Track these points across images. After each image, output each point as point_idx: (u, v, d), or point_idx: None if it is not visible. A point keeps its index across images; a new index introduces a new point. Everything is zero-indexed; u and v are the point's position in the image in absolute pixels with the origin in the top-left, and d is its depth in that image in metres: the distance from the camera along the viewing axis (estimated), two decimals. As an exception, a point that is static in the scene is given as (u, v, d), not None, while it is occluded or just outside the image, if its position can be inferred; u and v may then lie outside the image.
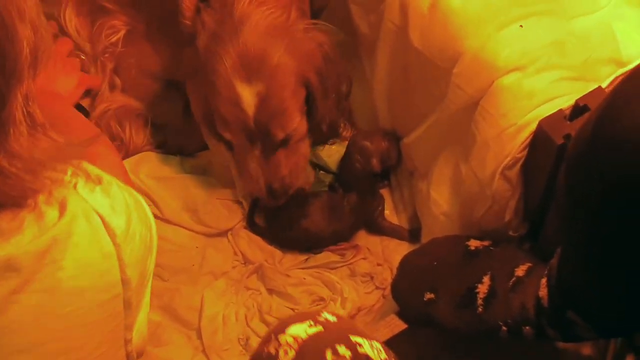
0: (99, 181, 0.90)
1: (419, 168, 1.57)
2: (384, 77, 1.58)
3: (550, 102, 1.20)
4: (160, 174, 1.72)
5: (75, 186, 0.87)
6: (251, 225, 1.67)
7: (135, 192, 1.00)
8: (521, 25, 1.27)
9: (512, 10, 1.29)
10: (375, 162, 1.61)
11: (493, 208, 1.30)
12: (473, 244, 1.31)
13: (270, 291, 1.58)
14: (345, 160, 1.67)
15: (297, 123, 1.53)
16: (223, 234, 1.67)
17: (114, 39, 1.82)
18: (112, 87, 1.82)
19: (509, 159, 1.23)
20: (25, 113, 0.81)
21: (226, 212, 1.68)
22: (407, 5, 1.43)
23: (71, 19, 1.82)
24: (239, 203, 1.69)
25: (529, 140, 1.21)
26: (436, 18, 1.37)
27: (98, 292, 0.88)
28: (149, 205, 1.60)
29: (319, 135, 1.67)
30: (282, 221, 1.63)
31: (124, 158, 1.74)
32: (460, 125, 1.35)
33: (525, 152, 1.22)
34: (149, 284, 1.00)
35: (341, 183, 1.66)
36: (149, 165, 1.74)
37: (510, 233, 1.32)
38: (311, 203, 1.62)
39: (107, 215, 0.88)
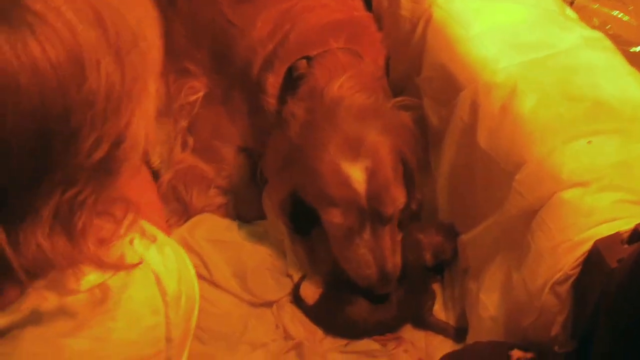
0: (153, 239, 0.91)
1: (472, 267, 1.55)
2: (447, 170, 1.58)
3: (609, 222, 1.18)
4: (215, 237, 1.73)
5: (131, 242, 0.88)
6: (297, 301, 1.65)
7: (183, 252, 0.99)
8: (589, 142, 1.26)
9: (582, 125, 1.29)
10: (428, 256, 1.59)
11: (540, 320, 1.27)
12: (515, 354, 1.28)
13: (306, 371, 1.56)
14: (398, 251, 1.65)
15: (404, 197, 1.53)
16: (268, 305, 1.66)
17: (192, 99, 1.86)
18: (184, 146, 1.85)
19: (560, 274, 1.20)
20: (58, 216, 0.77)
21: (274, 283, 1.68)
22: (478, 104, 1.43)
23: None
24: (289, 276, 1.69)
25: (583, 258, 1.18)
26: (506, 121, 1.37)
27: (143, 346, 0.89)
28: (199, 266, 1.66)
29: (408, 215, 1.66)
30: (328, 304, 1.61)
31: (184, 221, 1.77)
32: (517, 231, 1.33)
33: (577, 270, 1.19)
34: (189, 343, 0.99)
35: (393, 274, 1.64)
36: (206, 227, 1.76)
37: (556, 348, 1.29)
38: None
39: (161, 273, 0.89)
